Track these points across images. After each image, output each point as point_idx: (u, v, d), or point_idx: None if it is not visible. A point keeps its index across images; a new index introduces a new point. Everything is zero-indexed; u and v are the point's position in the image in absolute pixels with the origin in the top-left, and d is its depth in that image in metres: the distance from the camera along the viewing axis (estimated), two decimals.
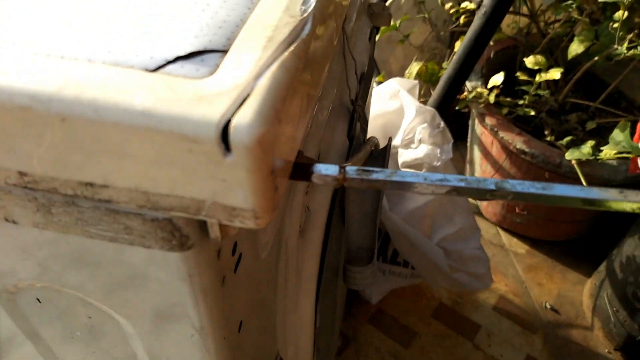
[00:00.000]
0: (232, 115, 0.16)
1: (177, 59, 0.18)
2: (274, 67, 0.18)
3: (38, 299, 0.26)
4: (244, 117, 0.16)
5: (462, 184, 0.21)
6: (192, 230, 0.20)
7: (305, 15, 0.20)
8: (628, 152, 0.68)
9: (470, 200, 1.02)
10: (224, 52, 0.18)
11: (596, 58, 0.77)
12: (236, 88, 0.17)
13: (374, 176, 0.21)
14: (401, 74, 1.06)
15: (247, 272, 0.29)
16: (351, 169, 0.22)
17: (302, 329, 0.49)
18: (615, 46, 0.73)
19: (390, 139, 0.53)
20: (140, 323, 0.25)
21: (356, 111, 0.49)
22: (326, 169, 0.21)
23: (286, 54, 0.18)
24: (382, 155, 0.50)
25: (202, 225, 0.20)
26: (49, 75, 0.17)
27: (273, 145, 0.17)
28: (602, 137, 0.86)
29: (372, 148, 0.50)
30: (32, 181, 0.18)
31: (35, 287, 0.25)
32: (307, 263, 0.44)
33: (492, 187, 0.21)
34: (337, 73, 0.44)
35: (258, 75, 0.17)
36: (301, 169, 0.21)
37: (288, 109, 0.18)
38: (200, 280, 0.22)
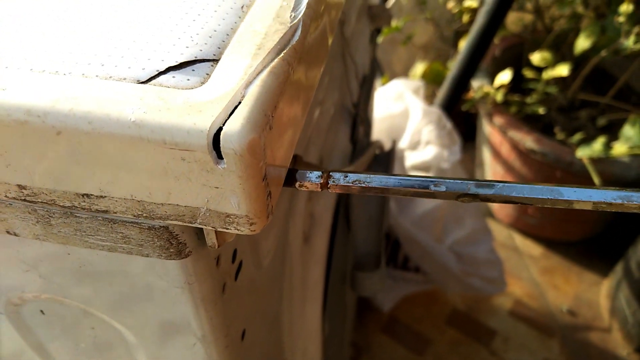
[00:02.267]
0: (223, 123, 0.16)
1: (169, 69, 0.18)
2: (263, 75, 0.18)
3: (42, 311, 0.26)
4: (234, 125, 0.16)
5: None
6: (189, 237, 0.20)
7: (295, 21, 0.20)
8: (639, 148, 0.66)
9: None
10: (215, 61, 0.19)
11: (603, 52, 0.76)
12: (226, 96, 0.17)
13: (360, 179, 0.21)
14: (405, 75, 1.06)
15: (249, 280, 0.29)
16: (337, 174, 0.21)
17: (310, 338, 0.48)
18: (622, 40, 0.72)
19: (394, 142, 0.52)
20: (143, 333, 0.25)
21: (358, 114, 0.49)
22: (307, 175, 0.21)
23: (276, 60, 0.18)
24: (386, 158, 0.50)
25: (199, 233, 0.20)
26: (44, 91, 0.17)
27: (264, 152, 0.17)
28: (613, 133, 0.84)
29: (377, 151, 0.50)
30: (31, 194, 0.19)
31: (39, 299, 0.25)
32: (313, 270, 0.44)
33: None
34: (337, 77, 0.44)
35: (248, 83, 0.17)
36: (287, 176, 0.21)
37: (279, 115, 0.18)
38: (200, 288, 0.22)
